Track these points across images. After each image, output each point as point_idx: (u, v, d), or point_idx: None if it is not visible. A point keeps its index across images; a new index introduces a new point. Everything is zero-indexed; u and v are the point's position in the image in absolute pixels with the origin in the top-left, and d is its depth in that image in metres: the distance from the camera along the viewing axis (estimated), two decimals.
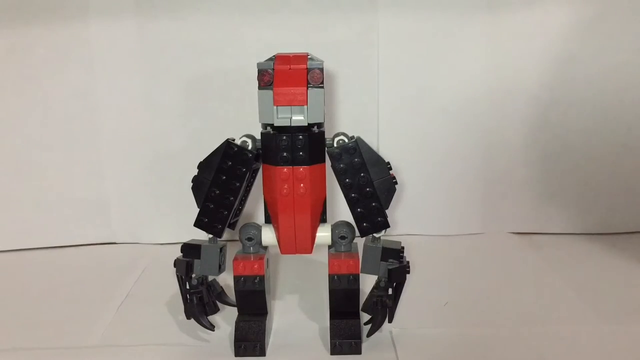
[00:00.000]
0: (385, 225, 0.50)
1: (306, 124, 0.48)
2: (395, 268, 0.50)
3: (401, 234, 0.78)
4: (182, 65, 0.73)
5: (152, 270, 0.70)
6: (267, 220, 0.53)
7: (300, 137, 0.48)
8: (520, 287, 0.63)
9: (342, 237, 0.52)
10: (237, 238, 0.52)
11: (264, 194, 0.51)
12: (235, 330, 0.51)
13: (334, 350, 0.51)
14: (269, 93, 0.47)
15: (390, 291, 0.51)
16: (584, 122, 0.75)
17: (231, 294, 0.54)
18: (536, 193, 0.78)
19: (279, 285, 0.65)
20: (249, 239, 0.52)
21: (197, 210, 0.51)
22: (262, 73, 0.47)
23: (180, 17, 0.72)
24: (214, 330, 0.52)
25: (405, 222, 0.78)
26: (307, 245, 0.51)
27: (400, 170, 0.70)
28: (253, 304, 0.52)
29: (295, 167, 0.48)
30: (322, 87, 0.47)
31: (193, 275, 0.51)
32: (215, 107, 0.75)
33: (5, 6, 0.71)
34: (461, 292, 0.62)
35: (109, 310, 0.59)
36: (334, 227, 0.52)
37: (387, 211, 0.50)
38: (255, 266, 0.51)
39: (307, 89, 0.47)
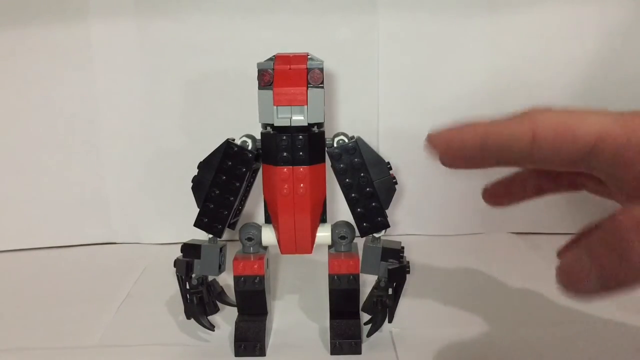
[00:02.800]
0: (385, 225, 0.50)
1: (306, 124, 0.48)
2: (395, 268, 0.50)
3: (401, 234, 0.78)
4: (182, 65, 0.73)
5: (152, 270, 0.70)
6: (267, 220, 0.53)
7: (300, 137, 0.48)
8: (520, 287, 0.63)
9: (342, 237, 0.52)
10: (237, 238, 0.53)
11: (264, 194, 0.51)
12: (235, 330, 0.51)
13: (334, 350, 0.51)
14: (269, 93, 0.47)
15: (390, 291, 0.51)
16: None
17: (231, 294, 0.54)
18: None
19: (279, 285, 0.65)
20: (249, 239, 0.52)
21: (197, 210, 0.51)
22: (262, 73, 0.47)
23: (180, 18, 0.72)
24: (214, 330, 0.52)
25: (405, 222, 0.78)
26: (307, 245, 0.51)
27: (400, 170, 0.69)
28: (253, 304, 0.52)
29: (295, 167, 0.48)
30: (322, 87, 0.47)
31: (193, 275, 0.51)
32: (215, 107, 0.75)
33: (6, 7, 0.71)
34: (461, 292, 0.62)
35: (109, 310, 0.59)
36: (334, 227, 0.52)
37: (387, 211, 0.50)
38: (255, 266, 0.51)
39: (307, 89, 0.47)
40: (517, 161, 0.33)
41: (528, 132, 0.31)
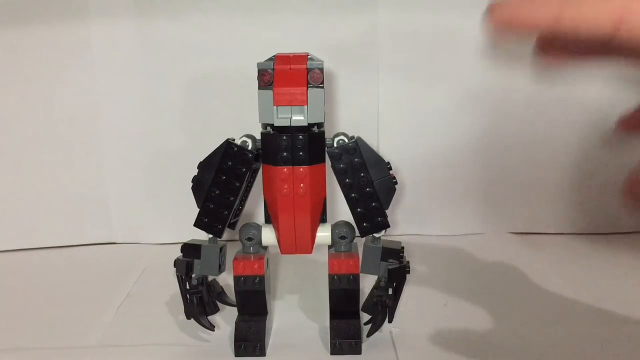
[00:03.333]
0: (385, 225, 0.50)
1: (306, 124, 0.48)
2: (395, 268, 0.50)
3: (401, 234, 0.78)
4: (182, 65, 0.73)
5: (152, 270, 0.70)
6: (267, 220, 0.53)
7: (300, 137, 0.48)
8: (520, 287, 0.63)
9: (342, 237, 0.52)
10: (237, 238, 0.52)
11: (264, 194, 0.51)
12: (235, 330, 0.51)
13: (334, 350, 0.51)
14: (269, 93, 0.47)
15: (390, 291, 0.51)
16: (584, 122, 0.75)
17: (231, 294, 0.54)
18: (536, 193, 0.78)
19: (279, 285, 0.65)
20: (249, 239, 0.52)
21: (197, 210, 0.51)
22: (262, 73, 0.47)
23: (180, 17, 0.72)
24: (214, 330, 0.52)
25: (405, 222, 0.78)
26: (307, 245, 0.51)
27: (400, 170, 0.69)
28: (253, 304, 0.52)
29: (295, 167, 0.48)
30: (322, 87, 0.47)
31: (193, 275, 0.51)
32: (215, 107, 0.75)
33: (6, 6, 0.71)
34: (461, 292, 0.62)
35: (109, 310, 0.59)
36: (334, 227, 0.52)
37: (387, 211, 0.50)
38: (255, 266, 0.51)
39: (307, 89, 0.47)
40: (591, 50, 0.29)
41: (613, 19, 0.26)
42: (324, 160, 0.50)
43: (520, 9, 0.28)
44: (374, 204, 0.49)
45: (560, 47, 0.32)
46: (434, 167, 0.77)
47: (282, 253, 0.52)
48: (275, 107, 0.47)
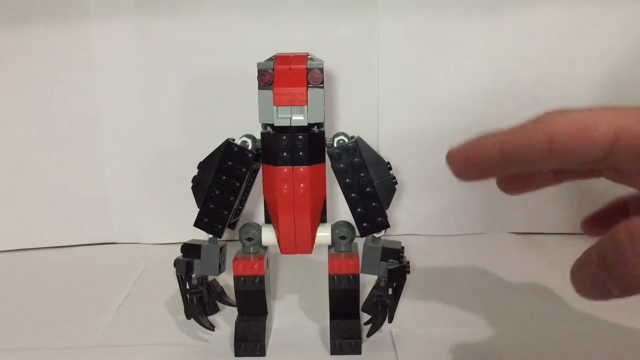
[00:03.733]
0: (385, 225, 0.50)
1: (306, 124, 0.48)
2: (395, 268, 0.50)
3: (401, 234, 0.78)
4: (182, 65, 0.73)
5: (152, 270, 0.70)
6: (267, 220, 0.53)
7: (300, 137, 0.48)
8: (520, 287, 0.63)
9: (342, 237, 0.52)
10: (237, 238, 0.53)
11: (264, 194, 0.51)
12: (235, 330, 0.51)
13: (334, 350, 0.51)
14: (269, 93, 0.47)
15: (390, 291, 0.51)
16: None
17: (231, 294, 0.54)
18: (536, 193, 0.78)
19: (279, 285, 0.65)
20: (249, 239, 0.52)
21: (197, 210, 0.51)
22: (262, 73, 0.47)
23: (180, 17, 0.72)
24: (214, 330, 0.53)
25: (405, 222, 0.78)
26: (307, 245, 0.51)
27: (400, 170, 0.69)
28: (253, 304, 0.52)
29: (295, 167, 0.48)
30: (322, 87, 0.47)
31: (193, 275, 0.51)
32: (215, 107, 0.75)
33: (6, 6, 0.71)
34: (461, 292, 0.62)
35: (109, 310, 0.59)
36: (334, 227, 0.52)
37: (387, 211, 0.50)
38: (255, 266, 0.51)
39: (307, 89, 0.47)
40: (536, 166, 0.33)
41: (544, 138, 0.31)
42: (324, 160, 0.50)
43: (471, 147, 0.33)
44: (374, 204, 0.49)
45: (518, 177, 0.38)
46: (434, 167, 0.77)
47: (282, 253, 0.52)
48: (275, 107, 0.47)
